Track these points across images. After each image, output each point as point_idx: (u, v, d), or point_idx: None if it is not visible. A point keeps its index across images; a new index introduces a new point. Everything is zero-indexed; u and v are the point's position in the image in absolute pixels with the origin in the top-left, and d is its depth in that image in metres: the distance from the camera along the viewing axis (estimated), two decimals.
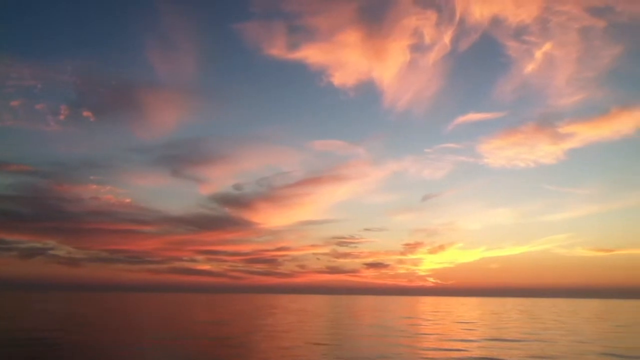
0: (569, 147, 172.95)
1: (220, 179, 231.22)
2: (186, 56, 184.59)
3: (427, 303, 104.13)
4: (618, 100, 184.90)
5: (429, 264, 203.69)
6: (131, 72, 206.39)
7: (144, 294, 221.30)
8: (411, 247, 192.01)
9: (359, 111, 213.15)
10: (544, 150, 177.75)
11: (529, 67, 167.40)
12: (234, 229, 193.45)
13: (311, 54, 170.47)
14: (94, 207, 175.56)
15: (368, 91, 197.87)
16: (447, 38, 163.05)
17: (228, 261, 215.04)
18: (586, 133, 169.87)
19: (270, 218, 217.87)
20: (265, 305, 71.76)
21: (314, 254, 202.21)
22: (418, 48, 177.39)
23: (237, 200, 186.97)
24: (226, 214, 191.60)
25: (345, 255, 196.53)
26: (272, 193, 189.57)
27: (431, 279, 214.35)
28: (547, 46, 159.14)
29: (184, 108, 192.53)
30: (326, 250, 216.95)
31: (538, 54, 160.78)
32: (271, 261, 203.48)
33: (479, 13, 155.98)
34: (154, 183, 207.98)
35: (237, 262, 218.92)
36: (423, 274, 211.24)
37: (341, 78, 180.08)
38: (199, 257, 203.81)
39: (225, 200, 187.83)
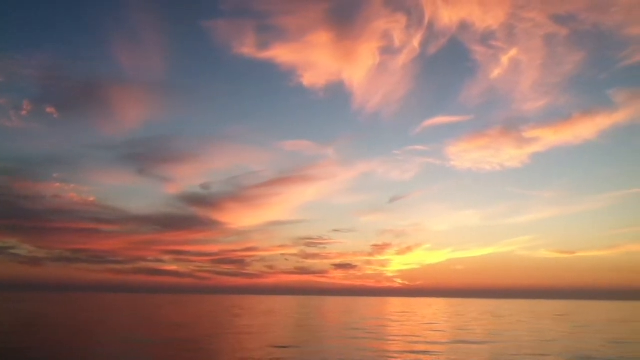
0: (533, 151, 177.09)
1: (187, 178, 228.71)
2: (154, 53, 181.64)
3: (394, 304, 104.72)
4: (580, 106, 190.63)
5: (396, 265, 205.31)
6: (97, 67, 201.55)
7: (108, 294, 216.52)
8: (379, 248, 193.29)
9: (329, 112, 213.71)
10: (509, 154, 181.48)
11: (495, 72, 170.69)
12: (201, 229, 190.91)
13: (281, 53, 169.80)
14: (57, 205, 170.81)
15: (338, 92, 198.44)
16: (416, 41, 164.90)
17: (195, 261, 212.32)
18: (549, 138, 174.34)
19: (239, 218, 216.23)
20: (232, 307, 70.78)
21: (282, 254, 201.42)
22: (387, 50, 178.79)
23: (205, 200, 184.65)
24: (193, 214, 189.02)
25: (314, 256, 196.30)
26: (240, 193, 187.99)
27: (399, 280, 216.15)
28: (512, 52, 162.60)
29: (151, 105, 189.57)
30: (295, 250, 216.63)
31: (504, 59, 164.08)
32: (239, 262, 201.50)
33: (448, 18, 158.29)
34: (119, 181, 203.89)
35: (204, 262, 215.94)
36: (391, 275, 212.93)
37: (311, 78, 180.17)
38: (165, 257, 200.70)
39: (193, 199, 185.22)
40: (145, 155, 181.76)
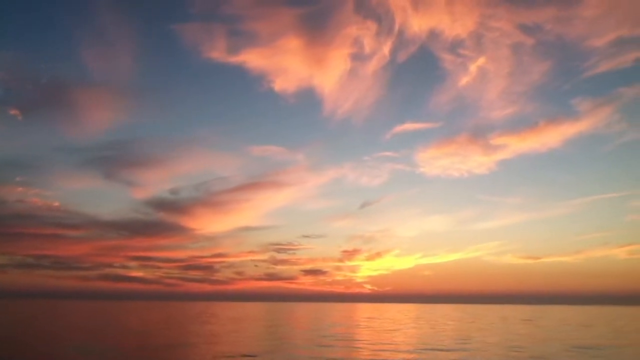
0: (500, 158, 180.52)
1: (155, 182, 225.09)
2: (123, 55, 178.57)
3: (363, 310, 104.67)
4: (545, 115, 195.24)
5: (366, 270, 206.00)
6: (63, 69, 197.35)
7: (72, 301, 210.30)
8: (349, 254, 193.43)
9: (299, 117, 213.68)
10: (476, 161, 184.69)
11: (464, 80, 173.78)
12: (169, 235, 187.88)
13: (252, 58, 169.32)
14: (19, 210, 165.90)
15: (308, 98, 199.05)
16: (386, 49, 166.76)
17: (162, 268, 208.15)
18: (516, 145, 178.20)
19: (207, 224, 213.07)
20: (200, 314, 69.41)
21: (251, 260, 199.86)
22: (358, 57, 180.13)
23: (173, 205, 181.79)
24: (161, 219, 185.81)
25: (284, 261, 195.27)
26: (209, 198, 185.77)
27: (368, 286, 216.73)
28: (481, 60, 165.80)
29: (118, 108, 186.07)
30: (264, 256, 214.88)
31: (472, 68, 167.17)
32: (207, 268, 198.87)
33: (417, 26, 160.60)
34: (84, 186, 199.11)
35: (171, 268, 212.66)
36: (360, 280, 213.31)
37: (282, 84, 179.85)
38: (132, 264, 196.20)
39: (161, 204, 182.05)
40: (112, 159, 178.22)
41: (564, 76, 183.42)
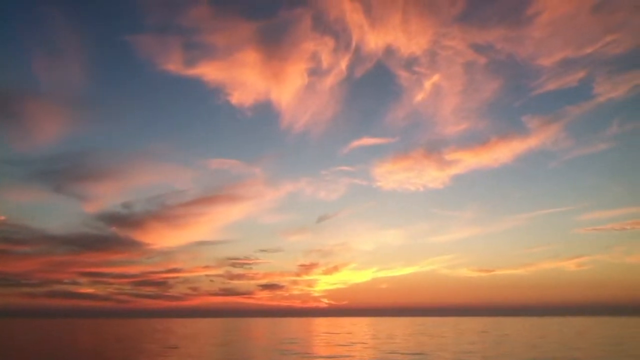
0: (453, 172, 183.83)
1: (107, 196, 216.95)
2: (75, 65, 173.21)
3: (320, 324, 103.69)
4: (497, 131, 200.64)
5: (323, 284, 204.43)
6: (10, 79, 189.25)
7: (18, 319, 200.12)
8: (306, 268, 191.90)
9: (256, 131, 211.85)
10: (431, 175, 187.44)
11: (419, 96, 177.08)
12: (122, 250, 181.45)
13: (208, 71, 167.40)
14: None
15: (266, 112, 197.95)
16: (343, 64, 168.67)
17: (114, 284, 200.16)
18: (469, 160, 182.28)
19: (161, 238, 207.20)
20: (151, 330, 66.90)
21: (207, 275, 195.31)
22: (315, 72, 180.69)
23: (126, 219, 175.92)
24: (113, 234, 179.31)
25: (240, 276, 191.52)
26: (163, 212, 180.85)
27: (325, 300, 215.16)
28: (435, 77, 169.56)
29: (70, 120, 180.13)
30: (220, 271, 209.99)
31: (427, 85, 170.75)
32: (161, 283, 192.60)
33: (374, 43, 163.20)
34: (32, 199, 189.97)
35: (124, 284, 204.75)
36: (317, 294, 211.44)
37: (239, 97, 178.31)
38: (82, 280, 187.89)
39: (113, 218, 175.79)
40: (62, 171, 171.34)
41: (514, 94, 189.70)
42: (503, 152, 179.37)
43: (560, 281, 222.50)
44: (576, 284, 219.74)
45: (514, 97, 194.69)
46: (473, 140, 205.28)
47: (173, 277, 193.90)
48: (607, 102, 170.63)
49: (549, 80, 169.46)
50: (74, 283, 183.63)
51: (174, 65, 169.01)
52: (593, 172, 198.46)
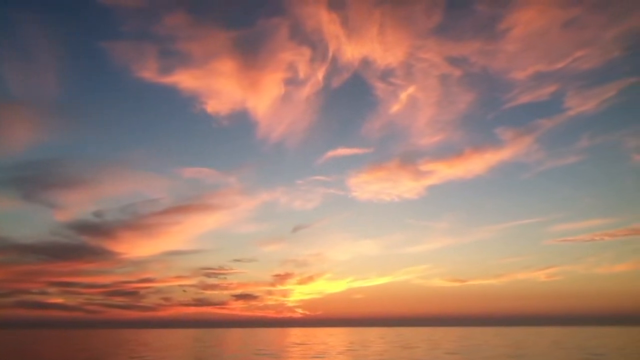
0: (428, 183, 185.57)
1: (78, 204, 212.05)
2: (47, 71, 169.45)
3: (294, 335, 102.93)
4: (471, 143, 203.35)
5: (298, 294, 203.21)
6: None
7: None
8: (281, 278, 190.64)
9: (232, 140, 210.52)
10: (406, 186, 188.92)
11: (395, 108, 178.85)
12: (93, 259, 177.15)
13: (184, 79, 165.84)
14: None
15: (241, 121, 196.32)
16: (320, 74, 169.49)
17: (84, 294, 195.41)
18: (444, 171, 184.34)
19: (134, 247, 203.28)
20: (121, 341, 65.37)
21: (180, 285, 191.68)
22: (292, 82, 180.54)
23: (97, 228, 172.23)
24: (84, 243, 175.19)
25: (214, 286, 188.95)
26: (136, 221, 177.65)
27: (300, 310, 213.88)
28: (410, 89, 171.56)
29: (41, 127, 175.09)
30: (193, 281, 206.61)
31: (403, 96, 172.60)
32: (133, 294, 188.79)
33: (350, 54, 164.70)
34: (1, 207, 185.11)
35: (94, 294, 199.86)
36: (292, 305, 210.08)
37: (215, 106, 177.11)
38: (51, 290, 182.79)
39: (84, 227, 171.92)
40: (32, 179, 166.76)
41: (488, 106, 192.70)
42: (477, 164, 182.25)
43: (531, 291, 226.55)
44: (546, 295, 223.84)
45: (488, 109, 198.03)
46: (448, 152, 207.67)
47: (145, 287, 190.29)
48: (578, 115, 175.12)
49: (521, 94, 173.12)
50: (43, 293, 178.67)
51: (149, 72, 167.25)
52: (564, 184, 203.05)
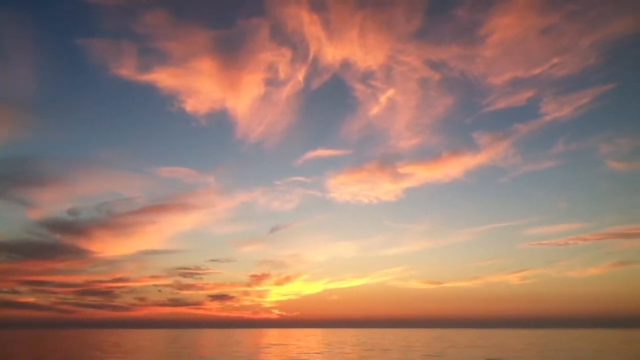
0: (406, 186, 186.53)
1: (53, 202, 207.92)
2: (21, 68, 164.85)
3: (270, 336, 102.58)
4: (449, 146, 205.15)
5: (274, 295, 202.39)
6: None
7: None
8: (257, 279, 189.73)
9: (210, 140, 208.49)
10: (384, 188, 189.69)
11: (374, 110, 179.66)
12: (66, 258, 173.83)
13: (163, 77, 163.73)
14: None
15: (221, 120, 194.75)
16: (300, 75, 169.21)
17: (57, 293, 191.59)
18: (422, 174, 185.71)
19: (108, 247, 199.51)
20: (93, 342, 64.29)
21: (155, 285, 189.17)
22: (272, 82, 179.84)
23: (71, 227, 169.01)
24: (57, 241, 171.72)
25: (189, 286, 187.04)
26: (111, 220, 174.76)
27: (276, 311, 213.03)
28: (390, 92, 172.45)
29: (15, 124, 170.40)
30: (169, 281, 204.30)
31: (382, 99, 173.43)
32: (107, 293, 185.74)
33: (331, 55, 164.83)
34: None
35: (67, 294, 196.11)
36: (268, 305, 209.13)
37: (194, 105, 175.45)
38: (22, 289, 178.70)
39: (58, 226, 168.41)
40: (5, 177, 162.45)
41: (466, 111, 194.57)
42: (454, 167, 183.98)
43: (505, 294, 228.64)
44: (520, 297, 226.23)
45: (466, 113, 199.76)
46: (426, 155, 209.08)
47: (119, 287, 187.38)
48: (554, 121, 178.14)
49: (499, 99, 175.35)
50: (14, 292, 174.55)
51: (127, 70, 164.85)
52: (539, 188, 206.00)
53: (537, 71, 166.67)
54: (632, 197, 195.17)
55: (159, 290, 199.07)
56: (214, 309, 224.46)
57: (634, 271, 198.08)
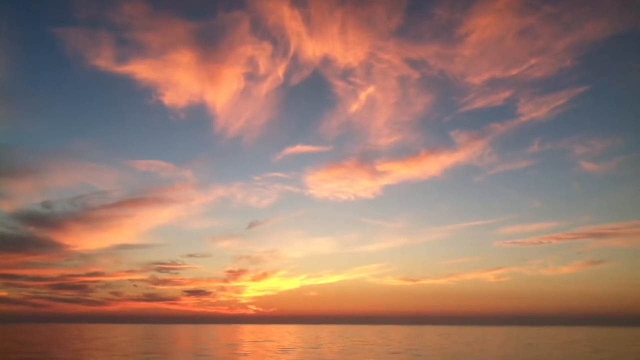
0: (384, 183, 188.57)
1: (25, 194, 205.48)
2: None
3: (245, 332, 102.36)
4: (427, 144, 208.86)
5: (251, 291, 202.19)
6: None
7: None
8: (234, 274, 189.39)
9: (189, 134, 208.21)
10: (362, 185, 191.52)
11: (353, 107, 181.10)
12: (39, 251, 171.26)
13: (141, 69, 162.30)
14: None
15: (199, 114, 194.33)
16: (280, 71, 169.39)
17: (30, 287, 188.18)
18: (399, 172, 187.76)
19: (82, 240, 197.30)
20: (66, 336, 63.28)
21: (130, 280, 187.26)
22: (252, 77, 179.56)
23: (45, 220, 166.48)
24: (30, 234, 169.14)
25: (165, 282, 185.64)
26: (86, 213, 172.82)
27: (253, 307, 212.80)
28: (370, 89, 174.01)
29: None
30: (144, 276, 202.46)
31: (362, 96, 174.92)
32: (81, 287, 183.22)
33: (311, 51, 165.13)
34: None
35: (40, 288, 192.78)
36: (245, 301, 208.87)
37: (172, 98, 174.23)
38: None
39: (30, 218, 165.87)
40: None
41: (444, 109, 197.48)
42: (432, 165, 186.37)
43: (480, 292, 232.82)
44: (495, 295, 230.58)
45: (444, 112, 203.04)
46: (404, 153, 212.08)
47: (94, 281, 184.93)
48: (530, 121, 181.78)
49: (477, 98, 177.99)
50: None
51: (104, 61, 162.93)
52: (514, 187, 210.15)
53: (514, 72, 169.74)
54: (603, 197, 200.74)
55: (135, 285, 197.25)
56: (189, 304, 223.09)
57: (605, 270, 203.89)
